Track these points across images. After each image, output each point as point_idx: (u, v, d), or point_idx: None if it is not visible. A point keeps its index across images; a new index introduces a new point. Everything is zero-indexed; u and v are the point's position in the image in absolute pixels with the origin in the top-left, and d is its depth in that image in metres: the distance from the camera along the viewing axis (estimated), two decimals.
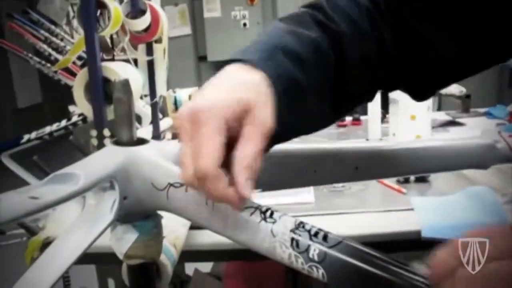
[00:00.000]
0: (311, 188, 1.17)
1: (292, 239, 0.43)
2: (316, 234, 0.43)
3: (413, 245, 0.99)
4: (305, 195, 1.15)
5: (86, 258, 0.85)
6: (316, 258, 0.42)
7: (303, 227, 0.44)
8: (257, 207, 0.46)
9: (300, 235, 0.43)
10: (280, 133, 0.49)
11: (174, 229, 0.83)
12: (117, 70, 1.19)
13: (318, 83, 0.54)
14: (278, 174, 0.66)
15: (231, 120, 0.44)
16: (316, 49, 0.54)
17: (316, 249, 0.42)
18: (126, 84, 0.59)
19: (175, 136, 1.84)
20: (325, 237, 0.43)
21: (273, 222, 0.45)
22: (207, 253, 1.00)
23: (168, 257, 0.75)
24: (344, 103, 0.60)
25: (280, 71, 0.49)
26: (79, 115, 1.58)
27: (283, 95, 0.49)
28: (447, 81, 0.67)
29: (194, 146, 0.44)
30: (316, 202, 1.14)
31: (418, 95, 0.66)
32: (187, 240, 0.94)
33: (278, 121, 0.47)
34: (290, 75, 0.50)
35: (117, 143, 0.59)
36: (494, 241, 0.33)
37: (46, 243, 0.93)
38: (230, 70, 0.49)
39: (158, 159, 0.56)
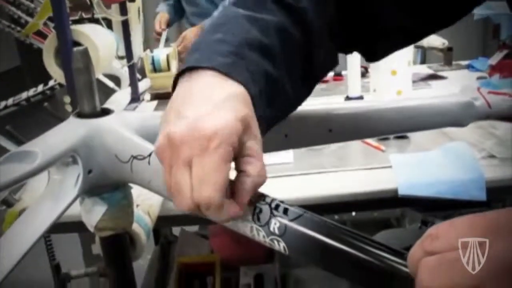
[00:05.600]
0: None
1: (253, 212, 0.43)
2: (277, 207, 0.42)
3: (391, 203, 1.00)
4: (284, 155, 1.14)
5: (66, 227, 0.84)
6: (277, 231, 0.41)
7: (264, 200, 0.43)
8: None
9: (261, 209, 0.43)
10: (266, 128, 0.49)
11: (148, 197, 0.82)
12: (87, 33, 1.16)
13: (289, 68, 0.52)
14: None
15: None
16: (281, 34, 0.51)
17: (276, 222, 0.41)
18: (85, 53, 0.56)
19: (154, 97, 1.81)
20: (285, 210, 0.42)
21: None
22: (193, 216, 0.99)
23: (141, 226, 0.75)
24: (313, 76, 0.59)
25: (253, 71, 0.47)
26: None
27: (261, 94, 0.47)
28: (396, 47, 0.68)
29: (197, 174, 0.40)
30: (295, 162, 1.13)
31: (370, 57, 0.66)
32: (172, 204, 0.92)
33: (262, 119, 0.46)
34: (263, 72, 0.48)
35: (79, 115, 0.57)
36: (461, 231, 0.32)
37: None
38: (206, 81, 0.45)
39: (121, 131, 0.55)
